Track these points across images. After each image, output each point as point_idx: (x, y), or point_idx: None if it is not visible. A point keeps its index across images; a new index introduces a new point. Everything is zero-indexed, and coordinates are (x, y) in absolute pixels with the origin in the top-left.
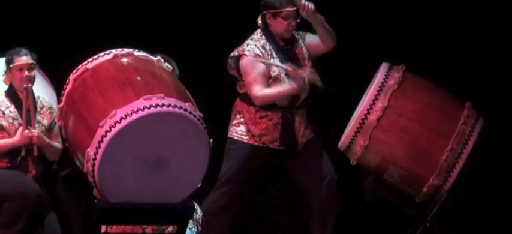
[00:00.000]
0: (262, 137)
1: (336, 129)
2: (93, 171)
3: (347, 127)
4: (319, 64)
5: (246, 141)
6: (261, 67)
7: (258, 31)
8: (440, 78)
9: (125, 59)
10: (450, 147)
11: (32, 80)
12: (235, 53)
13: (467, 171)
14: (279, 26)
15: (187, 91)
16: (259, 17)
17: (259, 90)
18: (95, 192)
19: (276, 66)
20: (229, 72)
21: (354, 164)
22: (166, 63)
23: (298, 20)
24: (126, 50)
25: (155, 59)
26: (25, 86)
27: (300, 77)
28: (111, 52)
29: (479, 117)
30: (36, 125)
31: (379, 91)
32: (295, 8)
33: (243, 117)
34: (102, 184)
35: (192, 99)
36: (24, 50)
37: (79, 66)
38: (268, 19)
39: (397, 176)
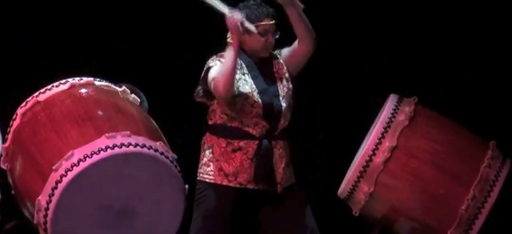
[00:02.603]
0: (237, 176)
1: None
2: (45, 223)
3: (348, 171)
4: (318, 96)
5: (219, 182)
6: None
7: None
8: (458, 112)
9: (83, 90)
10: (471, 195)
11: None
12: (201, 75)
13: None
14: (254, 42)
15: (158, 128)
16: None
17: (214, 74)
18: None
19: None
20: (197, 101)
21: (357, 214)
22: (133, 95)
23: (277, 36)
24: (85, 79)
25: (120, 89)
26: None
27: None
28: (67, 81)
29: (506, 160)
30: None
31: (386, 128)
32: (273, 22)
33: (213, 153)
34: None
35: (164, 137)
36: None
37: (28, 98)
38: (242, 35)
39: (408, 229)
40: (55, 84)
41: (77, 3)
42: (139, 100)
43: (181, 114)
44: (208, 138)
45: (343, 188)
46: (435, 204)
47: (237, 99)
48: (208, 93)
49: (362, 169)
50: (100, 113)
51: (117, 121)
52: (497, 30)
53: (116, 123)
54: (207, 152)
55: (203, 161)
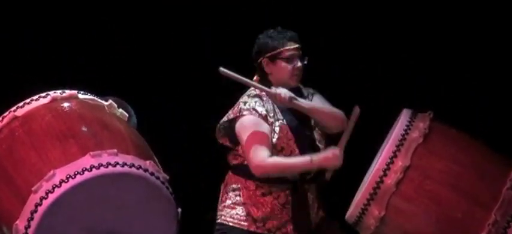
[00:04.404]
0: (266, 222)
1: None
2: None
3: (357, 193)
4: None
5: (246, 228)
6: (266, 128)
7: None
8: (477, 128)
9: (66, 104)
10: (493, 220)
11: None
12: (229, 116)
13: None
14: (281, 71)
15: (148, 146)
16: (256, 71)
17: (264, 157)
18: None
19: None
20: (219, 142)
21: None
22: (121, 110)
23: (305, 62)
24: (67, 92)
25: (106, 103)
26: None
27: (333, 154)
28: (47, 95)
29: None
30: None
31: (398, 146)
32: (298, 45)
33: (240, 195)
34: None
35: (154, 156)
36: None
37: (5, 113)
38: (266, 66)
39: None
40: (34, 97)
41: (65, 10)
42: (127, 115)
43: (173, 131)
44: (233, 179)
45: (351, 212)
46: (452, 229)
47: (272, 151)
48: (235, 139)
49: (372, 191)
50: (84, 129)
51: (103, 138)
52: (497, 30)
53: (101, 141)
54: (232, 194)
55: (226, 203)
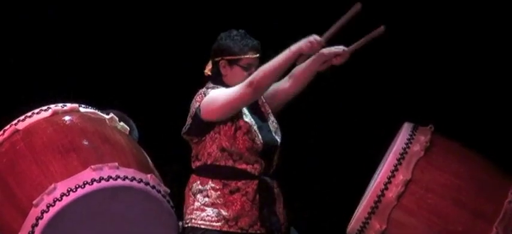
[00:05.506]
0: (238, 221)
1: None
2: None
3: (358, 207)
4: (326, 124)
5: (219, 228)
6: None
7: (209, 83)
8: (478, 142)
9: (67, 117)
10: (494, 233)
11: None
12: (192, 111)
13: None
14: (236, 77)
15: (149, 159)
16: (209, 64)
17: (249, 78)
18: None
19: None
20: (184, 138)
21: None
22: (122, 123)
23: None
24: (69, 106)
25: (107, 117)
26: None
27: (314, 38)
28: (49, 108)
29: None
30: None
31: (399, 159)
32: (258, 55)
33: (208, 196)
34: None
35: (155, 170)
36: None
37: (6, 127)
38: (223, 67)
39: None
40: (36, 111)
41: (66, 23)
42: (128, 129)
43: (174, 144)
44: (198, 180)
45: (353, 226)
46: None
47: (238, 133)
48: (201, 128)
49: (373, 205)
50: (85, 142)
51: (104, 151)
52: (499, 41)
53: (102, 154)
54: (199, 196)
55: (194, 206)
